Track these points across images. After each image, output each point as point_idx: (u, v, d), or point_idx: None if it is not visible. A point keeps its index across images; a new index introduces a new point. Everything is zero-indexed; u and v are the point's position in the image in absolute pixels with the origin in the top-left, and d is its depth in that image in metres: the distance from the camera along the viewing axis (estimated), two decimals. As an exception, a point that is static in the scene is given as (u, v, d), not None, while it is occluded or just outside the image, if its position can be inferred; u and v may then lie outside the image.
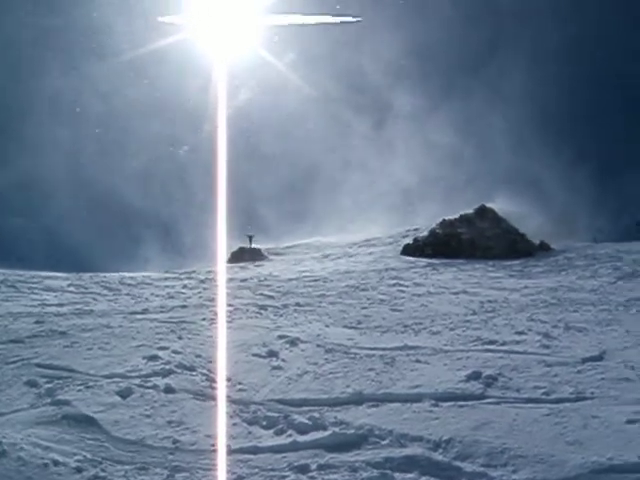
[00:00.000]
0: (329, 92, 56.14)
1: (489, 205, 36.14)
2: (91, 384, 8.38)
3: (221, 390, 8.53)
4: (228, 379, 8.95)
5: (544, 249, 32.84)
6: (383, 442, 6.40)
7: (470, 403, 7.55)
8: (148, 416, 7.45)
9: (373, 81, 56.43)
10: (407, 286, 20.82)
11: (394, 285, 21.08)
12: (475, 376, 8.47)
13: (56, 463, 5.92)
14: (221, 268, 27.39)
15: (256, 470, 5.99)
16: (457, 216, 35.29)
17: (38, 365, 9.28)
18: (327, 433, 6.66)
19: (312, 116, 55.32)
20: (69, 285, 19.94)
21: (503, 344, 10.63)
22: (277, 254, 35.56)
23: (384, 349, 10.66)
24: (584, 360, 9.40)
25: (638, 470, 5.61)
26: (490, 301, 16.52)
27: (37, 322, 12.34)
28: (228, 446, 6.54)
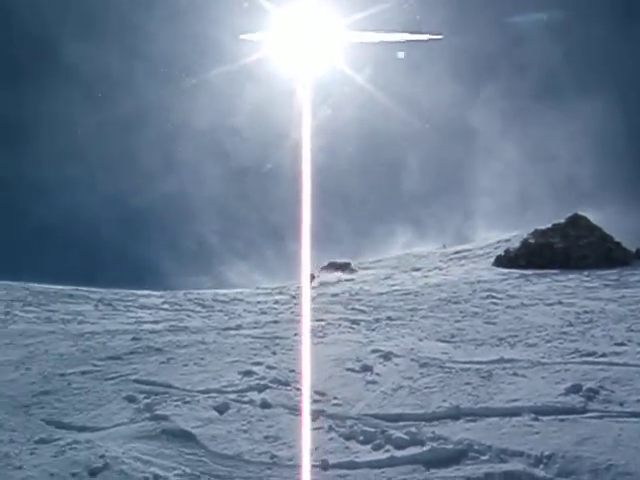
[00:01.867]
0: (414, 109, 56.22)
1: (582, 213, 35.30)
2: (188, 399, 8.52)
3: (317, 405, 8.55)
4: (323, 394, 8.96)
5: (640, 257, 31.91)
6: (483, 457, 6.29)
7: (571, 417, 7.36)
8: (245, 431, 7.52)
9: (453, 98, 56.28)
10: (500, 298, 20.50)
11: (487, 297, 20.78)
12: (575, 389, 8.25)
13: (157, 477, 6.03)
14: (312, 283, 27.68)
15: (354, 485, 5.97)
16: (549, 225, 34.59)
17: (136, 381, 9.51)
18: (425, 448, 6.59)
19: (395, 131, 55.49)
20: (163, 303, 20.39)
21: (603, 356, 10.35)
22: (366, 268, 35.49)
23: (480, 363, 10.50)
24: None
25: None
26: (586, 312, 16.12)
27: (134, 339, 12.64)
28: (325, 461, 6.52)
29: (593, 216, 35.41)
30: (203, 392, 8.94)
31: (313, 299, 21.40)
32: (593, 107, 53.09)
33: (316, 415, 8.07)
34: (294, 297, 23.00)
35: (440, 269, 32.27)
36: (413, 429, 7.18)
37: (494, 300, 19.85)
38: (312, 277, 29.22)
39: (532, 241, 33.20)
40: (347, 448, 6.94)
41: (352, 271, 33.97)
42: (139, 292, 23.15)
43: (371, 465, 6.39)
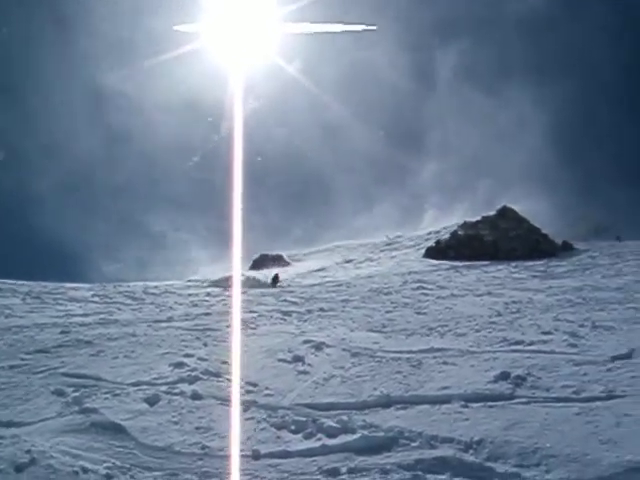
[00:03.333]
0: (341, 99, 56.42)
1: (510, 205, 35.97)
2: (118, 392, 8.40)
3: (248, 395, 8.51)
4: (254, 384, 8.93)
5: (567, 249, 32.68)
6: (413, 444, 6.35)
7: (500, 403, 7.48)
8: (176, 422, 7.44)
9: (387, 87, 56.72)
10: (431, 289, 20.75)
11: (418, 288, 21.02)
12: (503, 376, 8.40)
13: (85, 470, 5.92)
14: (244, 275, 27.54)
15: (286, 474, 5.97)
16: (479, 217, 35.17)
17: (65, 374, 9.32)
18: (356, 436, 6.61)
19: (327, 122, 55.63)
20: (93, 295, 20.05)
21: (530, 344, 10.55)
22: (299, 260, 35.55)
23: (410, 352, 10.59)
24: (613, 358, 9.30)
25: (674, 467, 5.53)
26: (515, 302, 16.43)
27: (63, 332, 12.39)
28: (257, 451, 6.50)
29: (521, 208, 36.16)
30: (133, 384, 8.81)
31: (245, 291, 21.31)
32: (524, 97, 54.18)
33: (247, 406, 8.04)
34: (226, 289, 22.89)
35: (371, 260, 32.53)
36: (344, 417, 7.20)
37: (425, 291, 20.09)
38: (276, 279, 28.79)
39: (462, 233, 33.73)
40: (279, 438, 6.93)
41: (285, 263, 33.96)
42: (68, 285, 22.70)
43: (302, 454, 6.39)
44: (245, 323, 14.20)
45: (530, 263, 28.27)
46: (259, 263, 34.53)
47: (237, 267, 18.90)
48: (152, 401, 8.11)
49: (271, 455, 6.46)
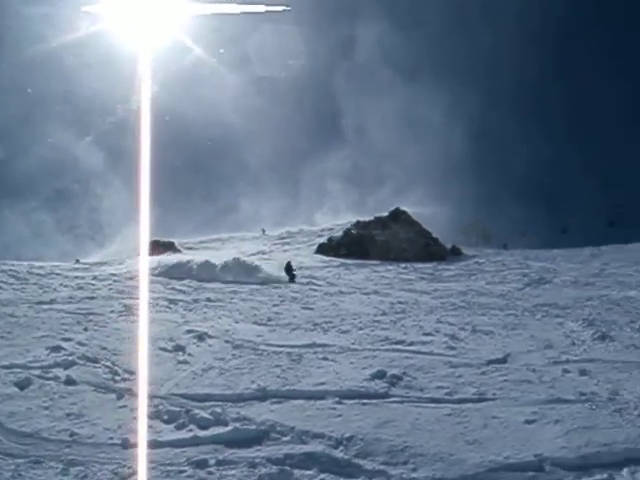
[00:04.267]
0: (253, 84, 56.03)
1: (403, 208, 36.55)
2: (-13, 374, 8.11)
3: (124, 383, 8.38)
4: (132, 372, 8.79)
5: (455, 253, 33.45)
6: (284, 438, 6.35)
7: (374, 401, 7.56)
8: (46, 408, 7.24)
9: (300, 71, 56.63)
10: (320, 285, 20.91)
11: (307, 284, 21.15)
12: (380, 375, 8.49)
13: (-57, 455, 5.68)
14: (133, 260, 26.95)
15: (154, 465, 5.86)
16: (372, 218, 35.59)
17: None
18: (228, 429, 6.57)
19: (236, 106, 55.17)
20: (-28, 273, 19.34)
21: (410, 344, 10.72)
22: (190, 248, 35.17)
23: (292, 346, 10.63)
24: (488, 362, 9.54)
25: (533, 468, 5.70)
26: (400, 302, 16.69)
27: None
28: (127, 440, 6.37)
29: (414, 211, 36.80)
30: (6, 367, 8.54)
31: (134, 277, 20.92)
32: (421, 97, 54.87)
33: (122, 393, 7.89)
34: (113, 274, 22.42)
35: (264, 253, 32.47)
36: (218, 409, 7.14)
37: (313, 287, 20.23)
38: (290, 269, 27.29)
39: (354, 232, 34.04)
40: (150, 427, 6.81)
41: (176, 251, 33.48)
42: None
43: (173, 444, 6.31)
44: (129, 309, 13.97)
45: (419, 265, 28.77)
46: (150, 249, 33.94)
47: (144, 253, 18.49)
48: (23, 385, 7.88)
49: (141, 444, 6.35)
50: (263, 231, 41.03)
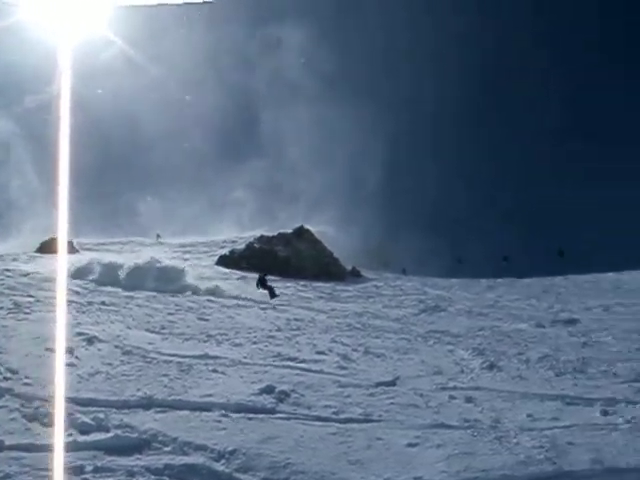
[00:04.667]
0: (169, 82, 55.40)
1: (307, 226, 36.68)
2: None
3: (5, 383, 8.11)
4: (15, 372, 8.52)
5: (355, 275, 33.70)
6: (166, 448, 6.24)
7: (260, 416, 7.51)
8: None
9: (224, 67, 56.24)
10: (218, 297, 20.68)
11: (204, 294, 20.89)
12: (269, 390, 8.45)
13: None
14: (29, 257, 26.17)
15: (27, 469, 5.66)
16: (275, 234, 35.57)
17: None
18: (109, 435, 6.41)
19: (157, 101, 54.41)
20: None
21: (302, 362, 10.70)
22: (89, 249, 34.34)
23: (183, 356, 10.47)
24: (378, 384, 9.60)
25: (411, 491, 5.75)
26: (297, 319, 16.66)
27: None
28: (2, 442, 6.15)
29: (318, 230, 36.98)
30: None
31: (28, 274, 20.29)
32: (341, 112, 55.15)
33: (2, 393, 7.62)
34: (7, 269, 21.70)
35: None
36: (101, 415, 6.97)
37: (211, 297, 19.98)
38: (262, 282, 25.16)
39: (257, 246, 33.91)
40: (28, 430, 6.60)
41: (73, 251, 32.67)
42: None
43: (50, 449, 6.10)
44: (19, 307, 13.55)
45: (318, 284, 28.82)
46: (47, 247, 32.93)
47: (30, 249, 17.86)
48: None
49: (16, 447, 6.13)
50: (157, 236, 40.38)
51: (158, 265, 23.11)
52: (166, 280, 21.60)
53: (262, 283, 23.50)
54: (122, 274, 21.37)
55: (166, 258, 28.65)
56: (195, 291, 20.80)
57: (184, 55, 53.14)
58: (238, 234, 39.20)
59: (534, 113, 64.22)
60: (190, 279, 22.40)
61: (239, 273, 29.41)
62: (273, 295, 22.27)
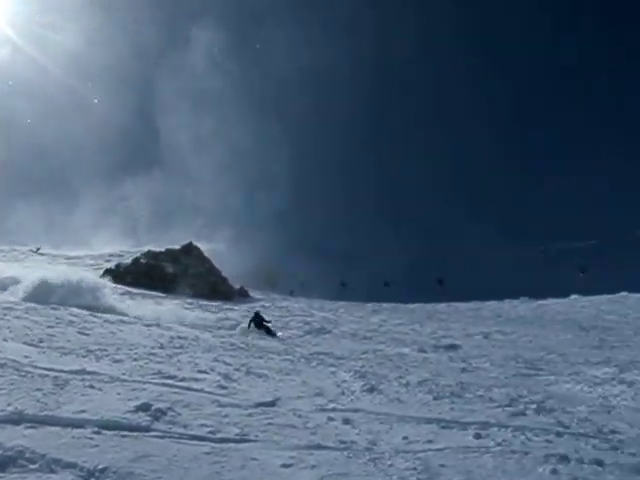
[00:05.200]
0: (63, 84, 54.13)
1: (196, 243, 36.49)
2: None
3: None
4: None
5: (243, 295, 33.71)
6: (32, 466, 6.01)
7: (134, 434, 7.35)
8: None
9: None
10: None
11: (87, 308, 20.41)
12: (145, 408, 8.26)
13: None
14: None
15: None
16: (163, 249, 35.23)
17: None
18: (-28, 453, 6.13)
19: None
20: None
21: (182, 380, 10.55)
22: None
23: (60, 371, 10.15)
24: (257, 405, 9.57)
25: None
26: (180, 337, 16.51)
27: None
28: None
29: (207, 248, 36.81)
30: None
31: None
32: (241, 127, 55.27)
33: None
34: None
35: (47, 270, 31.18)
36: (-35, 429, 6.69)
37: (93, 312, 19.57)
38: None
39: (144, 261, 33.52)
40: None
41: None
42: None
43: None
44: None
45: (205, 302, 28.69)
46: None
47: None
48: None
49: None
50: (37, 250, 39.29)
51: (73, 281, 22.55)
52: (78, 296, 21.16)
53: (257, 323, 22.01)
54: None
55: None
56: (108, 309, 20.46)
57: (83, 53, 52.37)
58: (125, 248, 38.57)
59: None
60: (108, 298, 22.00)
61: (124, 288, 28.95)
62: (270, 333, 21.25)
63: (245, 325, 22.31)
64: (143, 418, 7.94)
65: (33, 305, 18.85)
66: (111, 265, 33.07)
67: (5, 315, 16.05)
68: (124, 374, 10.55)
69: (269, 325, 22.13)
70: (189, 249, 35.29)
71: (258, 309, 24.49)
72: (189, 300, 28.24)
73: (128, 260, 33.64)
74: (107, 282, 24.27)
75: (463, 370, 15.30)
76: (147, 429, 7.61)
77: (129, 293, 27.35)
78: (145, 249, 35.16)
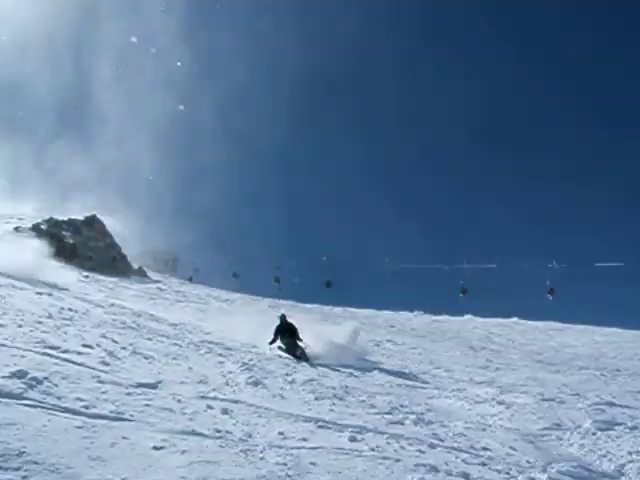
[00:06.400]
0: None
1: (100, 217, 35.83)
2: None
3: None
4: None
5: (141, 274, 33.30)
6: None
7: (4, 401, 7.18)
8: None
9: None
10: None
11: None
12: (20, 375, 8.05)
13: None
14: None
15: None
16: (66, 218, 34.43)
17: None
18: None
19: None
20: None
21: (65, 352, 10.34)
22: None
23: None
24: (139, 385, 9.49)
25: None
26: (71, 309, 16.13)
27: None
28: None
29: (111, 222, 36.20)
30: None
31: None
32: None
33: None
34: None
35: None
36: None
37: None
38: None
39: (44, 227, 32.65)
40: None
41: None
42: None
43: None
44: None
45: (102, 277, 28.22)
46: None
47: None
48: None
49: None
50: None
51: None
52: None
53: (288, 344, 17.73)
54: None
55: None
56: None
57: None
58: (27, 212, 37.55)
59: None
60: None
61: (20, 253, 28.15)
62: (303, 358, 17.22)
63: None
64: (17, 385, 7.75)
65: None
66: (10, 227, 32.05)
67: None
68: (6, 339, 10.23)
69: (303, 346, 17.77)
70: (92, 221, 34.62)
71: (283, 312, 19.77)
72: (85, 273, 27.69)
73: (28, 224, 32.70)
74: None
75: (350, 375, 15.47)
76: (19, 397, 7.43)
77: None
78: (47, 216, 34.25)
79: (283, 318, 18.80)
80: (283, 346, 18.02)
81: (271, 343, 17.82)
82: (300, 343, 17.91)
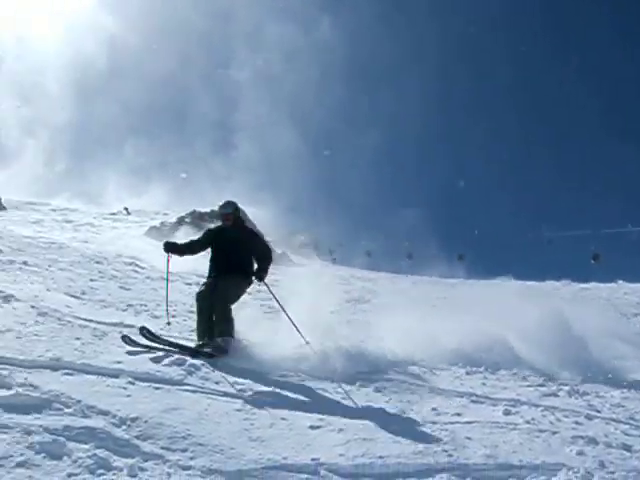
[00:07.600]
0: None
1: (241, 206, 36.61)
2: None
3: None
4: None
5: (284, 259, 33.84)
6: (67, 410, 6.15)
7: (167, 387, 7.49)
8: None
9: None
10: (143, 267, 20.45)
11: (130, 264, 20.62)
12: (179, 362, 8.40)
13: None
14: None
15: None
16: (208, 210, 35.31)
17: None
18: (10, 393, 6.27)
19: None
20: None
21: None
22: (17, 208, 33.69)
23: (99, 322, 10.34)
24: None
25: (307, 471, 5.83)
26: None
27: None
28: None
29: (251, 210, 36.96)
30: None
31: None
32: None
33: None
34: None
35: (92, 226, 31.55)
36: (5, 372, 6.84)
37: (136, 268, 19.80)
38: None
39: (188, 220, 33.68)
40: None
41: (2, 208, 32.09)
42: None
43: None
44: None
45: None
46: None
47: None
48: None
49: None
50: (126, 209, 39.19)
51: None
52: None
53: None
54: None
55: (95, 224, 28.32)
56: None
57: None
58: (173, 207, 38.84)
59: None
60: None
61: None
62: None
63: None
64: (177, 372, 8.08)
65: (78, 259, 19.10)
66: (156, 223, 33.27)
67: (50, 266, 16.29)
68: (162, 329, 10.68)
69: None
70: (236, 210, 35.34)
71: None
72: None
73: (173, 219, 33.80)
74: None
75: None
76: (180, 383, 7.75)
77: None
78: (191, 209, 35.23)
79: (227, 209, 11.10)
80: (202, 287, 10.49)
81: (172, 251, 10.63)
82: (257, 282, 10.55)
